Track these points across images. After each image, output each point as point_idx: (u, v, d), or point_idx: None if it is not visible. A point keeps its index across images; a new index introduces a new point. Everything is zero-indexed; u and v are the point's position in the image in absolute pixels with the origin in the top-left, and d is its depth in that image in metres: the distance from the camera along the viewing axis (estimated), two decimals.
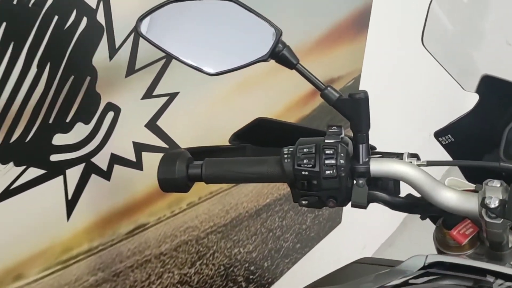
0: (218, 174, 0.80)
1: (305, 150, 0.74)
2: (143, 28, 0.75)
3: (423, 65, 1.43)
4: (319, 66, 1.58)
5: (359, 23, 1.73)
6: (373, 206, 0.79)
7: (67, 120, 0.92)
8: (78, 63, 0.91)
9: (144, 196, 1.12)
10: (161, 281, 1.25)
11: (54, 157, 0.92)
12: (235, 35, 0.76)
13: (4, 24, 0.78)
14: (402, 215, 1.52)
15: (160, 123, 1.10)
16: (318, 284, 0.92)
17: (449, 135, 0.89)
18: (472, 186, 0.80)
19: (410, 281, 0.68)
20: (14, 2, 0.79)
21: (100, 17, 0.92)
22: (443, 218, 0.84)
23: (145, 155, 1.09)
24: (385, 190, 0.79)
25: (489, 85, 0.80)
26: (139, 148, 1.07)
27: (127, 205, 1.09)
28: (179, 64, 0.75)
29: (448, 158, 0.87)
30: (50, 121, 0.89)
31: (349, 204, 0.77)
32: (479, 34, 0.90)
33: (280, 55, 0.74)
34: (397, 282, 0.67)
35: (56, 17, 0.85)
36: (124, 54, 0.97)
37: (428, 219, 0.88)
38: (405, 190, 0.79)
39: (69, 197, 0.97)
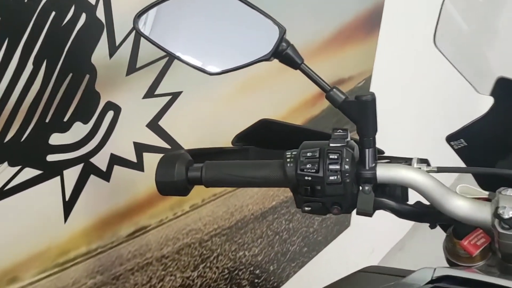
0: (219, 178, 0.77)
1: (308, 154, 0.71)
2: (141, 25, 0.72)
3: (436, 67, 1.38)
4: (329, 66, 1.54)
5: (370, 22, 1.69)
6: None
7: (65, 119, 0.89)
8: (77, 61, 0.88)
9: (145, 198, 1.09)
10: (163, 285, 1.22)
11: (51, 157, 0.89)
12: (236, 33, 0.72)
13: None
14: None
15: (162, 123, 1.07)
16: None
17: (461, 140, 0.85)
18: (485, 193, 0.76)
19: None
20: None
21: (100, 14, 0.89)
22: (454, 227, 0.80)
23: (146, 155, 1.06)
24: (393, 197, 0.75)
25: (504, 88, 0.76)
26: (140, 148, 1.05)
27: (127, 207, 1.07)
28: (181, 62, 0.72)
29: (461, 163, 0.84)
30: (47, 120, 0.86)
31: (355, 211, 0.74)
32: (494, 34, 0.86)
33: (284, 54, 0.71)
34: None
35: (53, 13, 0.82)
36: (124, 52, 0.95)
37: (438, 227, 0.84)
38: (414, 197, 0.76)
39: (67, 198, 0.94)
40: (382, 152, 0.84)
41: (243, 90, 1.25)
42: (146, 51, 0.98)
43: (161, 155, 0.77)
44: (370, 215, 0.72)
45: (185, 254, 1.26)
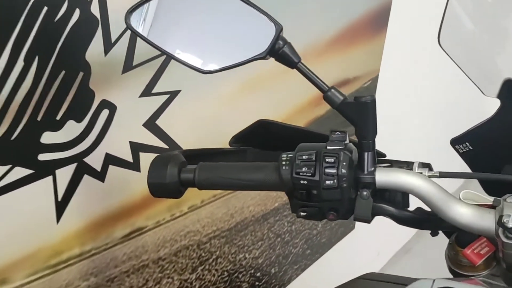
0: (212, 180, 0.74)
1: (304, 157, 0.68)
2: (133, 21, 0.70)
3: (445, 68, 1.35)
4: (334, 65, 1.51)
5: (377, 21, 1.66)
6: None
7: (57, 118, 0.87)
8: (70, 58, 0.86)
9: (141, 199, 1.07)
10: (159, 287, 1.20)
11: (42, 156, 0.87)
12: (231, 30, 0.70)
13: None
14: None
15: (159, 122, 1.05)
16: None
17: (466, 143, 0.82)
18: (490, 200, 0.73)
19: None
20: None
21: (95, 9, 0.86)
22: (457, 235, 0.77)
23: (143, 155, 1.03)
24: (392, 202, 0.72)
25: None
26: (137, 148, 1.02)
27: (123, 208, 1.04)
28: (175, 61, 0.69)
29: (466, 167, 0.81)
30: (39, 119, 0.84)
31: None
32: (501, 35, 0.82)
33: (280, 52, 0.68)
34: None
35: (45, 8, 0.80)
36: (120, 49, 0.92)
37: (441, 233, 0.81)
38: (414, 203, 0.73)
39: (59, 198, 0.92)
40: (384, 156, 0.81)
41: (245, 90, 1.22)
42: (143, 49, 0.95)
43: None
44: (368, 221, 0.70)
45: (183, 256, 1.24)
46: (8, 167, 0.83)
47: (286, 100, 1.35)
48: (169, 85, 1.03)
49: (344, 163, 0.66)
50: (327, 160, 0.66)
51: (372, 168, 0.68)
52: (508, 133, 0.78)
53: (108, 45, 0.90)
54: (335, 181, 0.66)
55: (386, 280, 0.84)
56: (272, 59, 0.70)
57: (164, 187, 0.74)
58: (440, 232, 0.77)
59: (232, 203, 1.32)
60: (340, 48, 1.51)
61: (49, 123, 0.86)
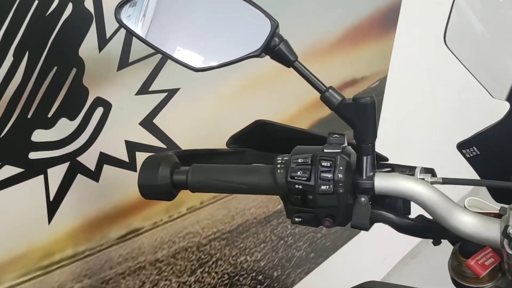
0: (205, 183, 0.71)
1: (299, 160, 0.65)
2: (123, 16, 0.67)
3: (453, 69, 1.31)
4: (341, 65, 1.47)
5: (386, 20, 1.62)
6: None
7: (49, 115, 0.84)
8: (62, 54, 0.83)
9: (138, 199, 1.03)
10: None
11: (33, 155, 0.85)
12: (224, 26, 0.66)
13: None
14: None
15: (157, 121, 1.02)
16: None
17: (474, 148, 0.78)
18: (496, 208, 0.69)
19: None
20: None
21: (89, 4, 0.84)
22: (460, 244, 0.73)
23: (139, 155, 1.01)
24: (393, 209, 0.69)
25: None
26: (133, 147, 0.99)
27: (118, 208, 1.02)
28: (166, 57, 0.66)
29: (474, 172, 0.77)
30: (29, 116, 0.82)
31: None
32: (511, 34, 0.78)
33: (276, 50, 0.65)
34: None
35: (36, 2, 0.77)
36: (115, 45, 0.89)
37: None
38: (416, 210, 0.69)
39: (51, 198, 0.89)
40: (386, 159, 0.77)
41: (246, 89, 1.19)
42: (140, 45, 0.90)
43: None
44: (366, 229, 0.66)
45: (182, 258, 1.21)
46: None
47: (289, 100, 1.31)
48: (167, 83, 1.01)
49: (341, 168, 0.63)
50: (323, 164, 0.63)
51: (371, 173, 0.65)
52: None
53: (103, 41, 0.87)
54: (331, 186, 0.63)
55: None
56: (267, 57, 0.67)
57: (155, 189, 0.71)
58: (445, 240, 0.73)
59: (233, 204, 1.29)
60: (348, 47, 1.48)
61: (40, 120, 0.84)
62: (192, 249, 1.23)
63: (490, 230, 0.62)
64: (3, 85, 0.77)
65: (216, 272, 1.33)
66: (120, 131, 0.96)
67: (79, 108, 0.88)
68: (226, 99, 1.15)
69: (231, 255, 1.35)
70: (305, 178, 0.64)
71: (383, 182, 0.65)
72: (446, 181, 0.66)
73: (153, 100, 1.00)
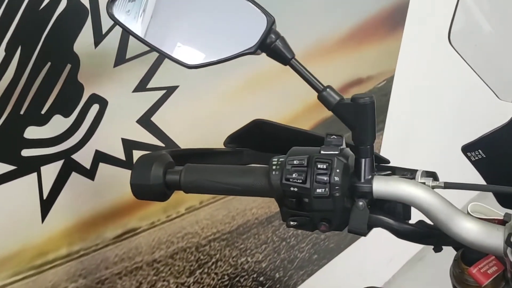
0: (198, 183, 0.69)
1: (295, 162, 0.62)
2: (116, 10, 0.65)
3: (460, 70, 1.28)
4: (345, 64, 1.45)
5: (394, 19, 1.59)
6: None
7: (42, 112, 0.83)
8: (56, 49, 0.81)
9: (134, 199, 1.01)
10: None
11: (26, 152, 0.83)
12: (219, 22, 0.64)
13: None
14: None
15: (155, 119, 1.00)
16: None
17: (479, 151, 0.76)
18: (500, 214, 0.66)
19: None
20: None
21: None
22: (463, 251, 0.71)
23: (136, 153, 0.99)
24: (392, 214, 0.66)
25: None
26: (130, 145, 0.97)
27: (114, 208, 1.00)
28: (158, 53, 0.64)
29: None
30: (22, 112, 0.80)
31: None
32: None
33: (272, 47, 0.63)
34: None
35: None
36: (112, 41, 0.87)
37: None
38: (416, 215, 0.66)
39: (44, 196, 0.87)
40: (387, 162, 0.75)
41: (248, 87, 1.17)
42: (138, 41, 0.90)
43: None
44: (363, 234, 0.64)
45: (180, 258, 1.19)
46: None
47: (292, 99, 1.28)
48: (165, 80, 0.98)
49: (338, 170, 0.60)
50: (319, 166, 0.61)
51: (370, 176, 0.63)
52: None
53: (99, 36, 0.85)
54: (326, 189, 0.60)
55: None
56: (263, 55, 0.64)
57: (147, 189, 0.70)
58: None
59: (234, 205, 1.27)
60: (353, 46, 1.45)
61: (34, 117, 0.82)
62: (191, 250, 1.21)
63: (493, 238, 0.60)
64: None
65: (216, 273, 1.31)
66: (117, 128, 0.95)
67: (74, 105, 0.86)
68: (226, 98, 1.13)
69: (232, 256, 1.33)
70: (300, 181, 0.61)
71: (382, 186, 0.62)
72: (448, 185, 0.64)
73: (151, 97, 0.98)
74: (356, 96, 0.61)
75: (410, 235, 0.66)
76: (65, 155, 0.88)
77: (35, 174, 0.85)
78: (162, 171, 0.69)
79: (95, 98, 0.89)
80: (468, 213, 0.66)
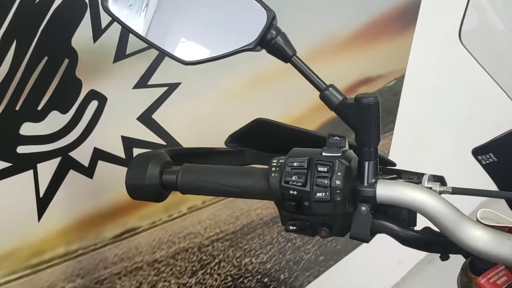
0: (195, 184, 0.66)
1: (295, 164, 0.60)
2: (111, 5, 0.62)
3: (476, 69, 1.24)
4: (355, 62, 1.41)
5: (405, 17, 1.55)
6: None
7: (39, 108, 0.80)
8: (54, 44, 0.79)
9: None
10: None
11: (22, 149, 0.81)
12: (218, 17, 0.62)
13: None
14: None
15: (156, 116, 0.98)
16: None
17: (490, 154, 0.72)
18: (511, 221, 0.63)
19: None
20: None
21: None
22: (471, 259, 0.68)
23: (137, 151, 0.96)
24: (396, 220, 0.63)
25: None
26: (130, 143, 0.95)
27: (113, 207, 0.98)
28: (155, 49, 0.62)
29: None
30: (17, 108, 0.78)
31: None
32: None
33: (273, 43, 0.60)
34: None
35: None
36: (112, 36, 0.85)
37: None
38: (422, 221, 0.63)
39: (41, 194, 0.85)
40: (393, 164, 0.72)
41: (253, 84, 1.14)
42: None
43: None
44: (366, 240, 0.61)
45: (182, 259, 1.16)
46: None
47: (297, 97, 1.25)
48: (167, 76, 0.96)
49: (339, 174, 0.57)
50: (320, 169, 0.58)
51: (373, 180, 0.60)
52: None
53: (98, 31, 0.83)
54: (327, 193, 0.57)
55: None
56: (264, 51, 0.62)
57: (143, 189, 0.67)
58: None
59: (237, 205, 1.24)
60: (363, 44, 1.42)
61: (30, 113, 0.80)
62: (193, 250, 1.19)
63: (503, 247, 0.57)
64: None
65: (219, 274, 1.28)
66: (116, 126, 0.92)
67: (71, 101, 0.84)
68: (230, 95, 1.10)
69: (235, 256, 1.31)
70: (300, 184, 0.59)
71: (386, 190, 0.59)
72: (456, 191, 0.61)
73: (152, 94, 0.96)
74: (359, 95, 0.58)
75: (415, 242, 0.63)
76: (63, 152, 0.86)
77: (31, 172, 0.83)
78: (159, 171, 0.66)
79: (93, 94, 0.86)
80: (478, 220, 0.63)
